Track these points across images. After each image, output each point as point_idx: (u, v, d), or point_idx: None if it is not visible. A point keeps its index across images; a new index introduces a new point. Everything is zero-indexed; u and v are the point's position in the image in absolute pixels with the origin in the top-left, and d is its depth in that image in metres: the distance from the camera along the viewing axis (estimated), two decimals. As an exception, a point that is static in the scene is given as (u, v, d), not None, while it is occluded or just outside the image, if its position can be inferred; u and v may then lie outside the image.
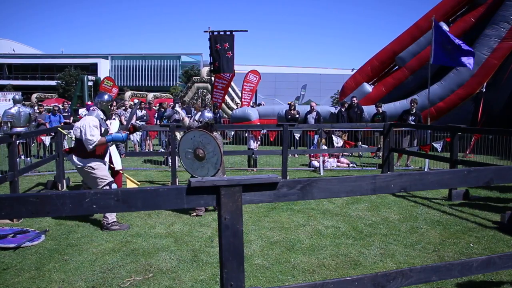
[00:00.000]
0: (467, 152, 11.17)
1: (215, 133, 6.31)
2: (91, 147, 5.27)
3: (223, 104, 20.85)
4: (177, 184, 8.15)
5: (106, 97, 5.84)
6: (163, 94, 35.28)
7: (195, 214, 6.20)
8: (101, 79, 23.25)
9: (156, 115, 15.27)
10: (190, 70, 52.36)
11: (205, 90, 26.09)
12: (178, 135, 10.00)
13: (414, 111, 11.49)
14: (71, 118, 15.61)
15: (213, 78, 11.85)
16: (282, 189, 2.27)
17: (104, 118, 5.65)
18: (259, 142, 11.56)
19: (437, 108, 13.64)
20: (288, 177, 8.63)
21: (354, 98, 13.91)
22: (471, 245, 4.85)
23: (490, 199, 7.21)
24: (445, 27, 14.37)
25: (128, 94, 31.71)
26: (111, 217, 5.48)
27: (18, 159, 7.19)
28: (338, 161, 11.15)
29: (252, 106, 18.50)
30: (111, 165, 6.38)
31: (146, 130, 13.76)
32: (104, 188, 5.33)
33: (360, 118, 13.47)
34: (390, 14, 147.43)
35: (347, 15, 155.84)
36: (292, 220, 5.90)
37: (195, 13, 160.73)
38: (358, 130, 12.28)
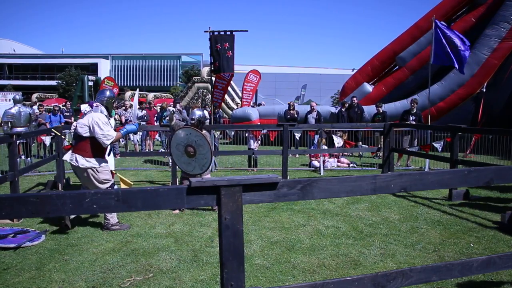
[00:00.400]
0: (467, 152, 11.16)
1: (204, 131, 6.35)
2: (108, 142, 5.18)
3: (223, 104, 20.85)
4: (177, 184, 8.15)
5: (108, 93, 5.71)
6: (163, 94, 35.31)
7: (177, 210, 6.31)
8: (102, 79, 23.25)
9: (156, 115, 15.27)
10: (190, 70, 52.36)
11: (205, 90, 26.09)
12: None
13: (414, 111, 11.49)
14: (72, 118, 15.61)
15: (213, 78, 11.83)
16: (282, 189, 2.27)
17: (107, 115, 5.49)
18: (259, 142, 11.57)
19: (438, 108, 13.64)
20: (288, 177, 8.63)
21: (355, 98, 13.91)
22: (471, 245, 4.85)
23: (490, 199, 7.21)
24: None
25: (128, 94, 31.71)
26: (113, 219, 5.46)
27: (18, 159, 7.19)
28: (338, 161, 11.15)
29: (252, 106, 18.51)
30: None
31: (146, 130, 13.76)
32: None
33: (360, 118, 13.47)
34: (390, 14, 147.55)
35: (347, 15, 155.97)
36: (293, 220, 5.90)
37: (195, 13, 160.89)
38: (358, 130, 12.28)
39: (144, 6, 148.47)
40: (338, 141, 10.53)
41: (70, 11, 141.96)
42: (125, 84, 57.40)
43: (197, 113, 6.55)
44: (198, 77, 27.85)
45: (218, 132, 12.72)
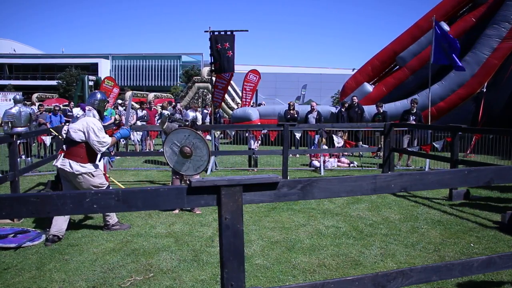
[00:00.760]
0: (468, 152, 11.16)
1: (199, 132, 6.36)
2: (103, 149, 5.04)
3: (223, 104, 20.86)
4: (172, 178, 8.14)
5: (99, 95, 5.45)
6: (163, 94, 35.33)
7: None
8: (102, 79, 23.26)
9: (156, 115, 15.28)
10: (190, 70, 52.40)
11: (205, 90, 26.11)
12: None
13: (414, 110, 11.49)
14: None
15: (214, 78, 11.84)
16: (283, 189, 2.27)
17: (99, 119, 5.31)
18: (259, 142, 11.57)
19: (438, 108, 13.63)
20: (288, 177, 8.63)
21: (355, 98, 13.91)
22: (472, 245, 4.85)
23: (491, 199, 7.21)
24: (445, 27, 14.37)
25: (128, 93, 31.72)
26: (112, 219, 5.45)
27: (18, 159, 7.19)
28: (338, 161, 11.15)
29: (252, 106, 18.50)
30: None
31: (147, 130, 13.77)
32: None
33: (360, 118, 13.47)
34: (390, 14, 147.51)
35: (348, 15, 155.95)
36: (293, 220, 5.90)
37: (195, 13, 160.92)
38: (358, 130, 12.28)
39: (144, 6, 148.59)
40: (338, 141, 10.53)
41: (70, 11, 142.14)
42: (126, 84, 57.44)
43: (190, 114, 6.59)
44: (199, 77, 27.88)
45: (218, 132, 12.71)
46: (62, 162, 5.00)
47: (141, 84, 61.05)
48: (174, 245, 4.92)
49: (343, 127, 11.35)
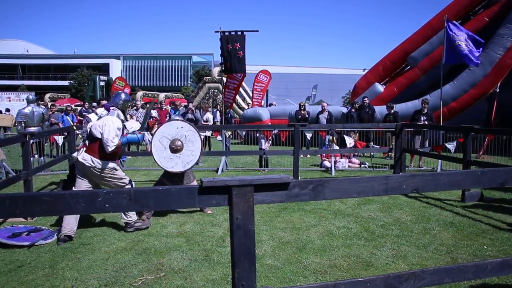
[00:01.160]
0: (480, 153, 11.03)
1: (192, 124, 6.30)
2: (110, 149, 5.06)
3: (234, 104, 20.86)
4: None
5: (123, 96, 5.67)
6: (174, 94, 35.44)
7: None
8: (113, 79, 23.44)
9: (167, 115, 15.32)
10: (201, 70, 52.49)
11: (216, 90, 26.15)
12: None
13: (425, 111, 11.40)
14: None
15: (224, 79, 11.85)
16: (294, 190, 2.27)
17: (123, 119, 5.45)
18: (270, 142, 11.55)
19: (450, 108, 13.50)
20: (299, 177, 8.61)
21: (366, 98, 13.83)
22: (485, 247, 4.79)
23: (505, 200, 7.11)
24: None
25: (139, 94, 31.90)
26: (133, 217, 5.45)
27: (31, 159, 7.27)
28: (349, 162, 11.09)
29: (263, 106, 18.50)
30: None
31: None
32: (126, 187, 5.29)
33: (371, 118, 13.39)
34: (402, 15, 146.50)
35: (359, 15, 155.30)
36: (304, 221, 5.88)
37: (206, 13, 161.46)
38: (369, 131, 12.21)
39: (155, 7, 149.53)
40: (349, 142, 10.49)
41: (82, 12, 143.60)
42: (136, 84, 57.79)
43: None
44: (209, 77, 27.92)
45: (229, 132, 12.72)
46: (83, 157, 5.10)
47: (152, 84, 61.37)
48: (185, 244, 4.93)
49: (353, 127, 11.28)
